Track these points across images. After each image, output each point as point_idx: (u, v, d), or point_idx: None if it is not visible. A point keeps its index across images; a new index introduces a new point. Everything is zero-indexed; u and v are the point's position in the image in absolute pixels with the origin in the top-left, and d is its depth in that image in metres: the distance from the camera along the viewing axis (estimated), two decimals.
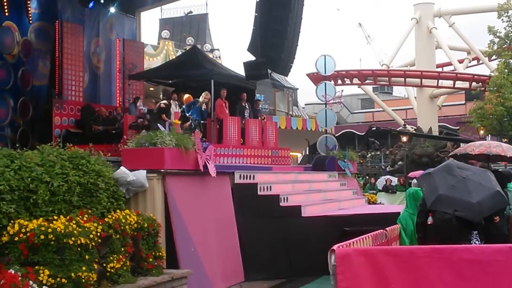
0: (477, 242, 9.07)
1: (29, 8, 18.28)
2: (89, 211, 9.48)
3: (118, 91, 20.88)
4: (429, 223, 7.58)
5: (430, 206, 7.46)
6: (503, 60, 36.89)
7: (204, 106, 16.62)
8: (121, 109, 19.42)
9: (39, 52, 18.68)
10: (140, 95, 20.39)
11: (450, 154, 13.59)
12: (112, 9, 20.87)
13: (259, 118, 19.02)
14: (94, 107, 18.91)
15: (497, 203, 7.66)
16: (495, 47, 37.51)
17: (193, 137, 12.26)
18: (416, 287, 6.02)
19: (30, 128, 17.77)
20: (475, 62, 48.95)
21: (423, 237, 7.88)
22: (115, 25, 21.18)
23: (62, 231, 8.35)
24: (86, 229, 8.72)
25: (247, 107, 18.53)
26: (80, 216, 9.06)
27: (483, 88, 39.89)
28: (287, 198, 13.97)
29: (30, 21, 18.38)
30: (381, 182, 29.10)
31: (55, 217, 8.71)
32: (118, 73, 20.91)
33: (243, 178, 13.68)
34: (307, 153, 31.84)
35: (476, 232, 9.10)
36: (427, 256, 6.14)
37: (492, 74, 38.80)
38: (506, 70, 35.93)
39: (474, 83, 42.09)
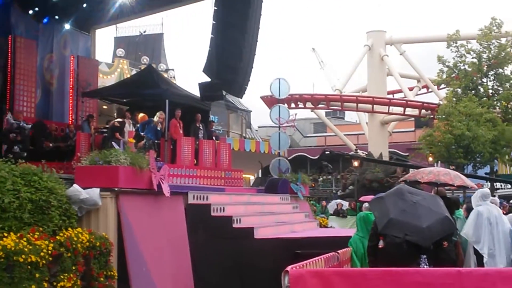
0: (425, 266, 9.32)
1: None
2: (41, 228, 9.33)
3: (71, 108, 20.71)
4: (380, 246, 7.73)
5: (381, 229, 7.61)
6: (452, 89, 37.92)
7: (159, 126, 16.62)
8: (74, 126, 19.24)
9: None
10: (93, 112, 20.25)
11: (401, 179, 13.91)
12: (67, 26, 20.78)
13: (213, 139, 19.09)
14: (46, 123, 18.68)
15: (445, 228, 7.89)
16: (444, 76, 38.58)
17: (148, 156, 12.23)
18: None
19: None
20: (424, 90, 50.19)
21: (373, 261, 8.04)
22: (69, 42, 21.08)
23: (13, 248, 8.22)
24: (37, 246, 8.60)
25: (201, 127, 18.60)
26: (31, 234, 8.92)
27: (432, 116, 40.88)
28: (240, 219, 14.00)
29: None
30: (332, 206, 29.42)
31: (5, 234, 8.56)
32: (71, 90, 20.76)
33: (197, 199, 13.66)
34: (260, 175, 31.98)
35: (425, 256, 9.35)
36: (378, 278, 6.25)
37: (441, 102, 39.81)
38: (454, 99, 36.95)
39: (423, 111, 43.11)
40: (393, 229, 7.48)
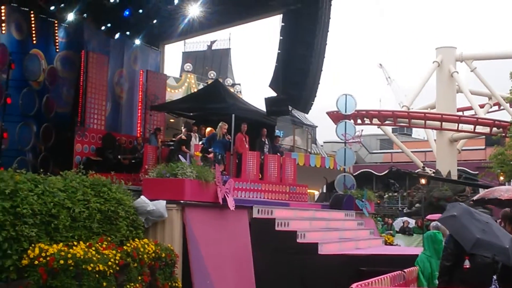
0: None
1: (56, 37, 18.72)
2: (109, 238, 9.58)
3: (139, 121, 21.09)
4: (467, 266, 7.51)
5: (470, 249, 7.38)
6: None
7: (228, 137, 16.69)
8: (142, 139, 19.60)
9: (64, 80, 19.00)
10: (160, 126, 20.58)
11: (476, 198, 13.47)
12: (137, 41, 21.24)
13: (278, 154, 19.12)
14: (115, 136, 19.12)
15: None
16: None
17: (214, 170, 12.36)
18: None
19: (51, 154, 17.94)
20: (496, 107, 48.90)
21: (448, 281, 7.81)
22: (139, 57, 21.52)
23: (82, 257, 8.44)
24: (105, 256, 8.81)
25: (266, 142, 18.65)
26: (99, 243, 9.16)
27: (503, 134, 39.75)
28: (304, 234, 13.98)
29: (57, 50, 18.78)
30: (398, 223, 28.94)
31: (75, 243, 8.81)
32: (140, 104, 21.16)
33: (261, 213, 13.73)
34: (325, 191, 31.76)
35: (495, 277, 9.07)
36: None
37: None
38: None
39: (494, 129, 42.00)
40: (482, 249, 7.27)
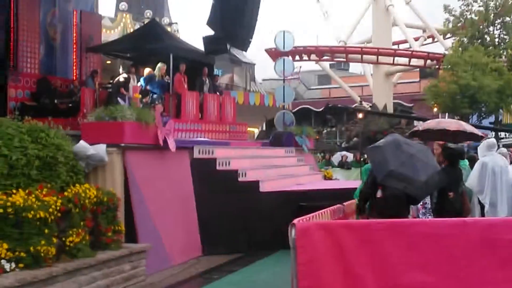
0: (430, 216, 9.41)
1: None
2: (49, 185, 9.40)
3: (75, 64, 20.51)
4: (378, 196, 7.82)
5: (381, 180, 7.67)
6: (458, 38, 37.56)
7: (167, 78, 16.49)
8: (78, 82, 19.16)
9: None
10: (97, 68, 20.13)
11: (420, 129, 13.54)
12: None
13: (217, 93, 19.04)
14: (51, 79, 18.62)
15: (441, 181, 8.01)
16: (450, 26, 38.18)
17: (153, 112, 12.23)
18: (373, 259, 6.21)
19: None
20: (430, 40, 49.63)
21: (363, 206, 8.13)
22: None
23: (21, 204, 8.30)
24: (46, 203, 8.67)
25: (207, 82, 18.52)
26: (39, 190, 8.99)
27: (437, 66, 40.58)
28: (245, 173, 14.09)
29: None
30: (336, 158, 29.50)
31: (14, 191, 8.63)
32: (75, 46, 20.52)
33: (202, 153, 13.73)
34: (265, 128, 32.01)
35: (430, 207, 9.41)
36: (384, 229, 6.34)
37: (447, 52, 39.46)
38: (460, 49, 36.61)
39: (429, 61, 42.76)
40: (393, 180, 7.55)
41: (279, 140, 18.35)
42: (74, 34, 20.52)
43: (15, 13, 17.91)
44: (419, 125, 11.85)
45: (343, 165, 27.52)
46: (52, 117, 12.74)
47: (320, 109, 52.84)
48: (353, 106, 41.95)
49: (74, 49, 20.48)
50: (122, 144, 11.23)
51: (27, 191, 8.79)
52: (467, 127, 11.72)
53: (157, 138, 11.90)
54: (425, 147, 8.35)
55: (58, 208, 8.86)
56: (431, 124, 12.05)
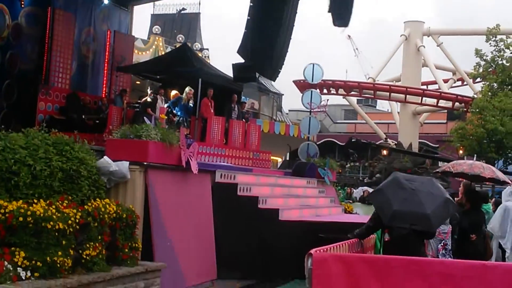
0: (449, 257, 9.23)
1: None
2: (70, 197, 9.45)
3: (105, 82, 20.81)
4: (386, 239, 7.58)
5: (387, 223, 7.41)
6: (488, 83, 37.33)
7: (191, 102, 16.61)
8: (107, 100, 19.39)
9: (28, 37, 18.53)
10: (126, 87, 20.36)
11: (435, 171, 13.46)
12: (106, 0, 20.82)
13: (243, 120, 19.10)
14: (80, 95, 18.86)
15: (450, 210, 7.67)
16: (481, 70, 37.96)
17: (178, 133, 12.28)
18: None
19: (14, 111, 17.62)
20: (459, 83, 49.50)
21: (360, 234, 7.96)
22: (108, 17, 21.12)
23: (41, 214, 8.33)
24: (65, 214, 8.70)
25: (235, 108, 18.60)
26: (60, 202, 9.03)
27: (465, 109, 40.32)
28: (265, 200, 14.03)
29: (22, 5, 18.27)
30: (358, 192, 29.31)
31: (35, 201, 8.68)
32: (106, 64, 20.85)
33: (224, 178, 13.72)
34: (288, 158, 31.93)
35: (450, 248, 9.24)
36: (402, 266, 6.22)
37: (476, 96, 39.23)
38: (489, 93, 36.36)
39: (457, 103, 42.57)
40: (398, 220, 7.28)
41: (301, 170, 18.29)
42: (107, 53, 20.86)
43: (51, 28, 18.25)
44: (445, 165, 11.61)
45: (364, 200, 27.30)
46: (79, 131, 12.82)
47: (345, 143, 52.71)
48: (378, 142, 41.73)
49: (105, 68, 20.79)
50: (145, 163, 11.26)
51: (48, 201, 8.84)
52: (500, 175, 11.44)
53: (180, 159, 11.92)
54: (429, 179, 8.00)
55: (77, 220, 8.89)
56: (464, 167, 11.78)
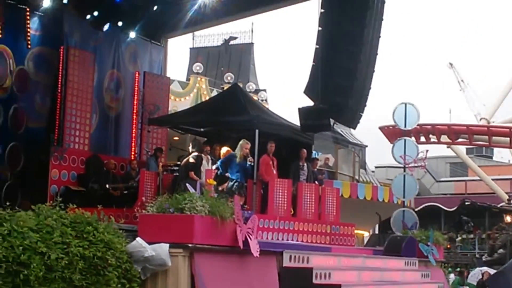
0: None
1: (28, 30, 18.76)
2: None
3: (133, 139, 21.07)
4: None
5: None
6: None
7: (250, 161, 16.63)
8: (137, 163, 19.63)
9: (37, 86, 19.10)
10: (162, 145, 20.62)
11: None
12: (133, 34, 21.25)
13: (316, 182, 19.04)
14: (103, 159, 19.17)
15: None
16: None
17: (232, 204, 12.33)
18: None
19: (20, 183, 18.04)
20: None
21: None
22: (136, 54, 21.53)
23: None
24: None
25: (305, 167, 18.53)
26: None
27: None
28: None
29: (29, 46, 18.86)
30: (475, 275, 28.69)
31: None
32: (135, 116, 21.19)
33: (294, 261, 13.67)
34: (377, 231, 31.69)
35: None
36: None
37: None
38: None
39: None
40: None
41: (396, 247, 18.07)
42: (135, 102, 21.21)
43: (65, 72, 18.67)
44: None
45: (484, 285, 26.70)
46: (103, 206, 13.05)
47: (453, 208, 51.93)
48: (499, 205, 40.99)
49: (134, 121, 21.13)
50: (190, 245, 11.32)
51: None
52: None
53: (236, 238, 11.95)
54: None
55: None
56: None
